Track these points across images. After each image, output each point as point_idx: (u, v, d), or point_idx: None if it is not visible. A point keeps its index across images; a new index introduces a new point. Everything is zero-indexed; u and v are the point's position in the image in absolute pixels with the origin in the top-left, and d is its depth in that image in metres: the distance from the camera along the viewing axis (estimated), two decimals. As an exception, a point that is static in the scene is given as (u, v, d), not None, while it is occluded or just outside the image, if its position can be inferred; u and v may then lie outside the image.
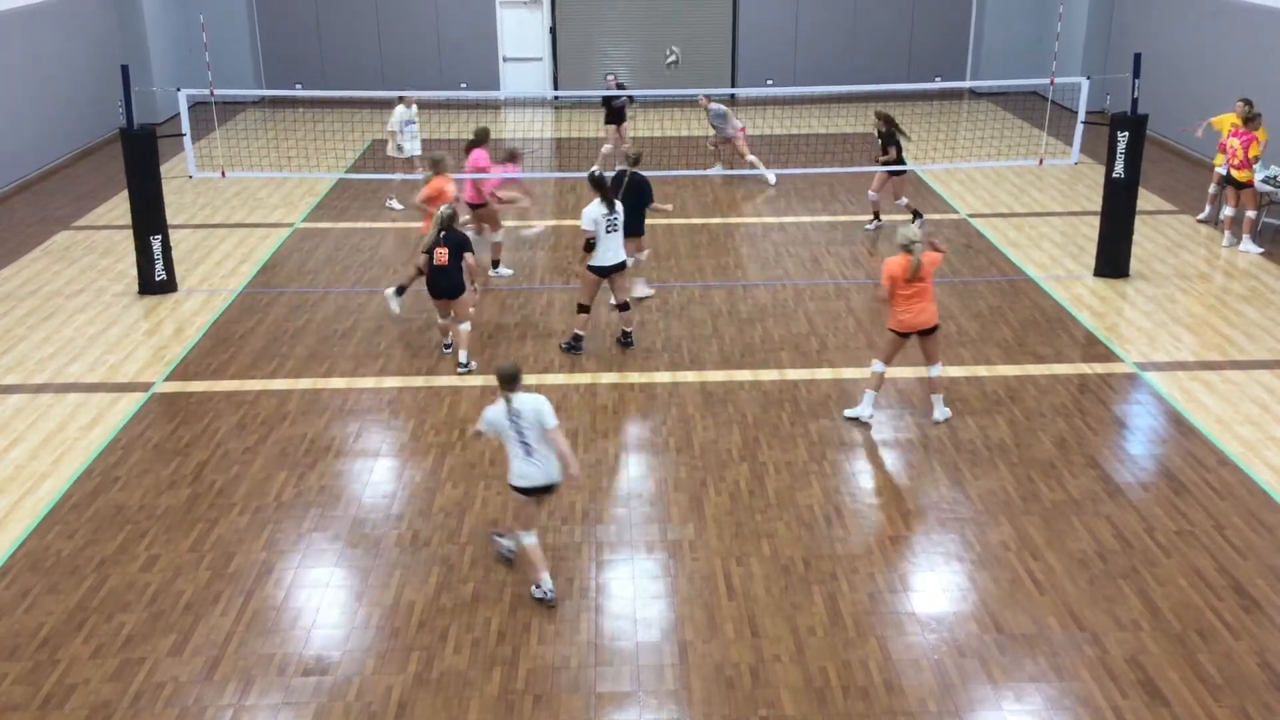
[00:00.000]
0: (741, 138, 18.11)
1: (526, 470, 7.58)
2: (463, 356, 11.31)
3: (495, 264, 14.15)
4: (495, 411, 7.57)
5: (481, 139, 14.00)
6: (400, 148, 16.67)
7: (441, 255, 10.98)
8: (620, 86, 18.91)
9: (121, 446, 9.97)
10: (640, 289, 13.11)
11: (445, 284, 11.14)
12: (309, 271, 14.40)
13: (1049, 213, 16.60)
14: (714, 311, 12.88)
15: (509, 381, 7.51)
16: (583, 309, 11.69)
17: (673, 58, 18.35)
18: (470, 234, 12.00)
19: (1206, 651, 7.23)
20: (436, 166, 12.68)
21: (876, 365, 10.16)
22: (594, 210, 11.21)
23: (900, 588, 7.91)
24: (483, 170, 13.68)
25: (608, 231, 11.29)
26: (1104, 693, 6.88)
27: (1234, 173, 14.61)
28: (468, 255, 11.01)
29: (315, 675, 7.09)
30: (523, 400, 7.51)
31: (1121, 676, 7.02)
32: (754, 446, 9.85)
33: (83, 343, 12.15)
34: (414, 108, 16.78)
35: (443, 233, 11.01)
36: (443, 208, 11.09)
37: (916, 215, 15.77)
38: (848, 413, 10.32)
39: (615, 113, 18.83)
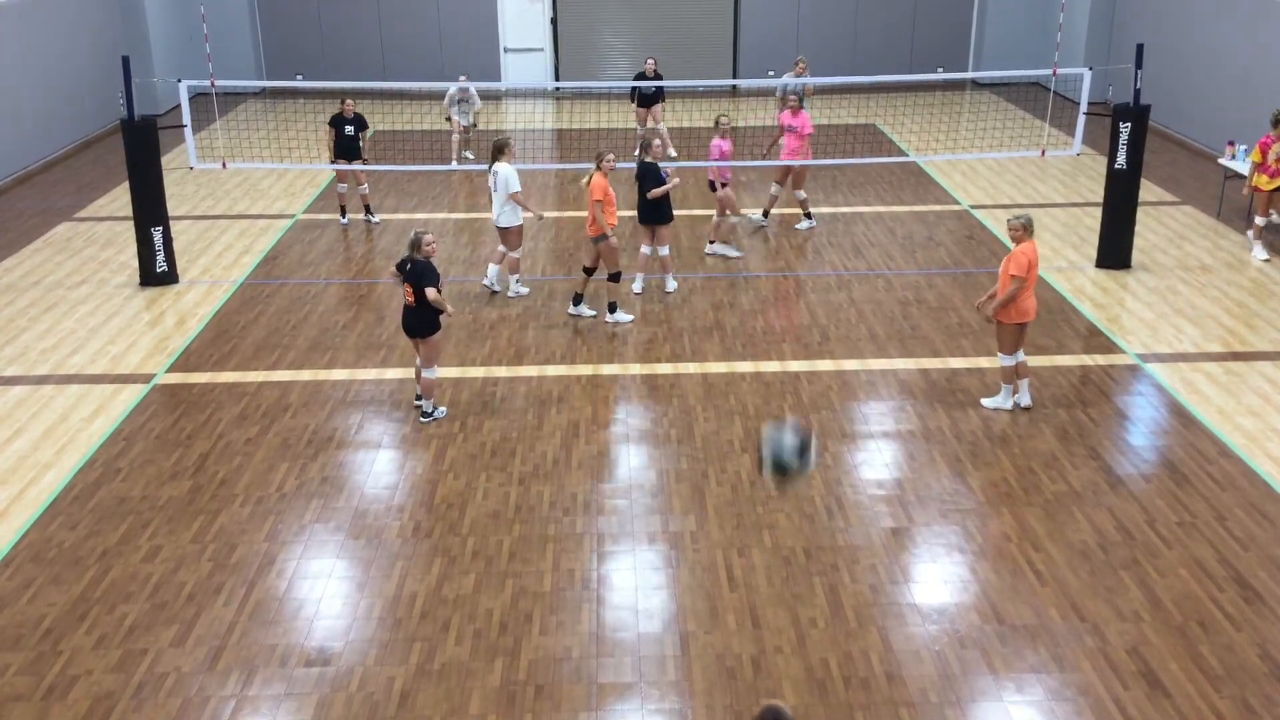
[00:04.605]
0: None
1: None
2: (427, 406, 10.19)
3: (767, 213, 15.53)
4: None
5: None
6: None
7: (408, 293, 9.84)
8: (657, 74, 18.85)
9: (124, 438, 9.98)
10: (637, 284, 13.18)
11: (416, 322, 9.95)
12: (310, 263, 14.40)
13: (1051, 204, 16.58)
14: (715, 303, 12.87)
15: None
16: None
17: None
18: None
19: (1208, 642, 7.24)
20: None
21: (1016, 357, 10.24)
22: None
23: (901, 579, 7.92)
24: (725, 155, 14.14)
25: None
26: (1105, 683, 6.89)
27: (1272, 180, 13.86)
28: (428, 290, 9.71)
29: (318, 666, 7.11)
30: None
31: (1123, 667, 7.03)
32: (755, 438, 9.85)
33: (84, 334, 12.15)
34: None
35: (407, 264, 9.84)
36: (414, 233, 9.93)
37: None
38: (1009, 401, 10.39)
39: (646, 96, 18.91)
